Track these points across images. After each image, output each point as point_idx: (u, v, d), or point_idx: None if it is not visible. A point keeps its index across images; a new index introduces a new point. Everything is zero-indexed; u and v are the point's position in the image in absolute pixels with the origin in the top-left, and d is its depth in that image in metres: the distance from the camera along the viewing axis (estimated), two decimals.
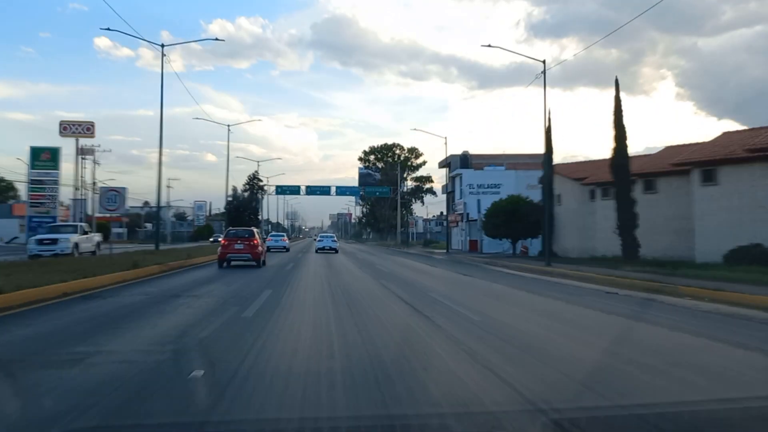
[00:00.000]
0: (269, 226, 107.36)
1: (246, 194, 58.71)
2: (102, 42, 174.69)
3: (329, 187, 65.78)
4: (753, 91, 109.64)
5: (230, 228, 27.22)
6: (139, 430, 3.67)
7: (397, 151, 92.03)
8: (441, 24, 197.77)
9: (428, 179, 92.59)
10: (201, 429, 3.55)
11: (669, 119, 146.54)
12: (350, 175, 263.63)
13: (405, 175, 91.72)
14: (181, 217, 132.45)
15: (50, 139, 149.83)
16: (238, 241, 21.08)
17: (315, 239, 58.48)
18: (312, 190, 65.32)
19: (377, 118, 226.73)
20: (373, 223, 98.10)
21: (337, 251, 39.38)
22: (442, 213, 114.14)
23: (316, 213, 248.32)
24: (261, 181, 63.67)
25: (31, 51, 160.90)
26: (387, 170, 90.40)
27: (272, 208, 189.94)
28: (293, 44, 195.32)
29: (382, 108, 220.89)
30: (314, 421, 3.81)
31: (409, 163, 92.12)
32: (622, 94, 25.21)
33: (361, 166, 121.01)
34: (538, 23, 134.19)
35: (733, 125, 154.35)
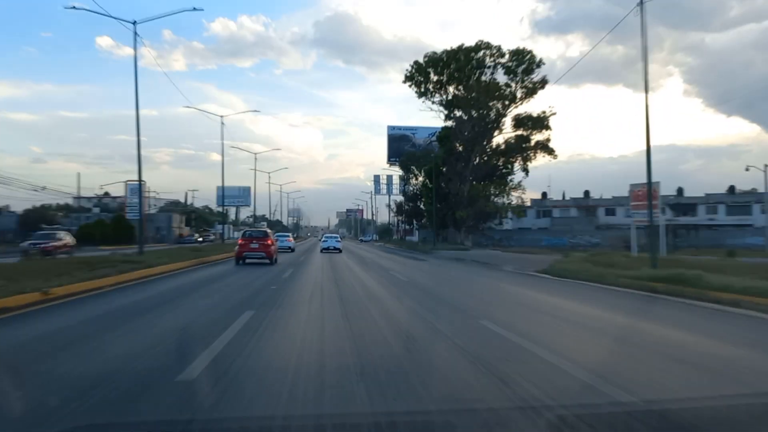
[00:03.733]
0: (263, 223, 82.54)
1: None
2: (104, 41, 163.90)
3: None
4: (762, 88, 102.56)
5: (246, 229, 32.11)
6: (140, 428, 3.51)
7: (488, 60, 44.67)
8: (444, 21, 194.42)
9: (542, 123, 45.68)
10: (204, 427, 3.45)
11: (676, 117, 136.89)
12: (355, 175, 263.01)
13: (502, 110, 45.46)
14: (113, 208, 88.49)
15: (54, 140, 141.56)
16: (254, 241, 22.42)
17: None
18: None
19: (381, 117, 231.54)
20: (438, 210, 51.91)
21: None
22: (545, 195, 67.57)
23: (324, 211, 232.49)
24: None
25: (33, 51, 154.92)
26: (470, 103, 44.05)
27: (271, 204, 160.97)
28: (296, 42, 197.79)
29: (386, 106, 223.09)
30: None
31: (507, 91, 45.24)
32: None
33: (391, 123, 78.73)
34: (543, 20, 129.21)
35: (741, 122, 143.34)
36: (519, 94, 43.97)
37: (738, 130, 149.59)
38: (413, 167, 57.15)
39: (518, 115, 44.95)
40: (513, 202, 45.63)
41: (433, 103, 46.66)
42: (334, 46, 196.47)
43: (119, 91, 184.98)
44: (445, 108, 47.83)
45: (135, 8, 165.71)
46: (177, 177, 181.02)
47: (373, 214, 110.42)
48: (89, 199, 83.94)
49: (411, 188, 56.54)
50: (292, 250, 38.56)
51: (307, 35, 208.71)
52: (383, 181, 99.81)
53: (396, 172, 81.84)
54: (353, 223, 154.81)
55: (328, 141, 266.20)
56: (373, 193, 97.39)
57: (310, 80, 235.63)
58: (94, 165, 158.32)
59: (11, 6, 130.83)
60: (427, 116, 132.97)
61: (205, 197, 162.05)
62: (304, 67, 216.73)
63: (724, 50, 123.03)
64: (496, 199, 43.67)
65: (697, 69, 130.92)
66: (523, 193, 43.63)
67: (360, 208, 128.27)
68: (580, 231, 53.16)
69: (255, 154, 55.38)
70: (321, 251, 36.91)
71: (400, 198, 70.32)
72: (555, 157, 47.35)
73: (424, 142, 74.53)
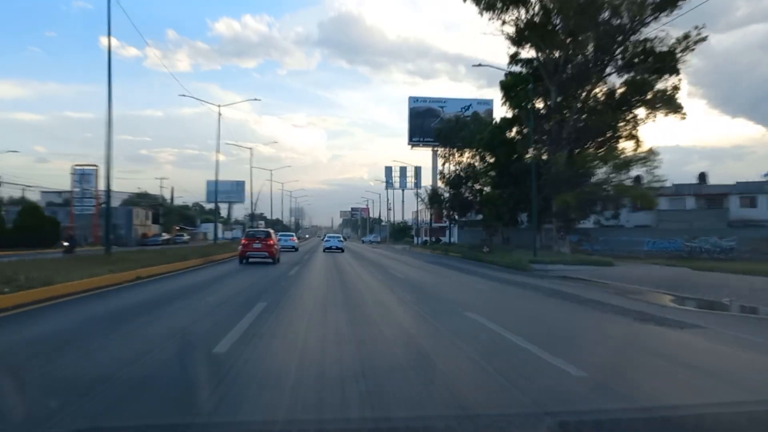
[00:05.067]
0: (261, 222, 77.91)
1: None
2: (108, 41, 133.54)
3: None
4: (767, 89, 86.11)
5: (249, 229, 33.52)
6: (141, 431, 3.61)
7: None
8: (448, 22, 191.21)
9: (669, 62, 28.78)
10: (205, 429, 3.59)
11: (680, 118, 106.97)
12: (359, 175, 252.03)
13: (616, 39, 28.49)
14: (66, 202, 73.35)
15: (58, 140, 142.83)
16: (257, 241, 22.76)
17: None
18: None
19: (385, 118, 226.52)
20: (508, 196, 34.97)
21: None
22: (639, 179, 49.71)
23: (327, 210, 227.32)
24: None
25: (38, 50, 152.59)
26: (571, 25, 27.13)
27: (275, 203, 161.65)
28: (300, 43, 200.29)
29: (390, 107, 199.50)
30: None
31: (626, 3, 28.24)
32: None
33: (413, 95, 64.11)
34: None
35: (746, 124, 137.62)
36: (648, 11, 26.96)
37: (743, 131, 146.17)
38: (457, 142, 40.48)
39: (645, 40, 27.86)
40: (639, 182, 28.71)
41: (503, 24, 29.59)
42: (338, 47, 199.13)
43: (123, 91, 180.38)
44: (515, 42, 30.81)
45: (135, 7, 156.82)
46: (180, 176, 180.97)
47: (388, 210, 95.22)
48: (60, 193, 70.96)
49: (454, 168, 39.52)
50: (296, 249, 38.72)
51: (311, 35, 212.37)
52: (396, 174, 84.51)
53: (420, 154, 64.86)
54: (360, 223, 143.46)
55: (332, 141, 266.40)
56: (392, 184, 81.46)
57: (313, 81, 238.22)
58: (99, 165, 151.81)
59: (16, 6, 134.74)
60: (453, 91, 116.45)
61: (202, 195, 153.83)
62: (308, 67, 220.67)
63: (729, 51, 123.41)
64: (614, 176, 26.55)
65: (701, 70, 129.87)
66: (655, 168, 26.67)
67: (366, 206, 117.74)
68: (704, 230, 36.21)
69: (250, 147, 38.90)
70: (324, 251, 38.16)
71: (420, 194, 53.65)
72: (684, 116, 30.52)
73: (456, 117, 58.49)
